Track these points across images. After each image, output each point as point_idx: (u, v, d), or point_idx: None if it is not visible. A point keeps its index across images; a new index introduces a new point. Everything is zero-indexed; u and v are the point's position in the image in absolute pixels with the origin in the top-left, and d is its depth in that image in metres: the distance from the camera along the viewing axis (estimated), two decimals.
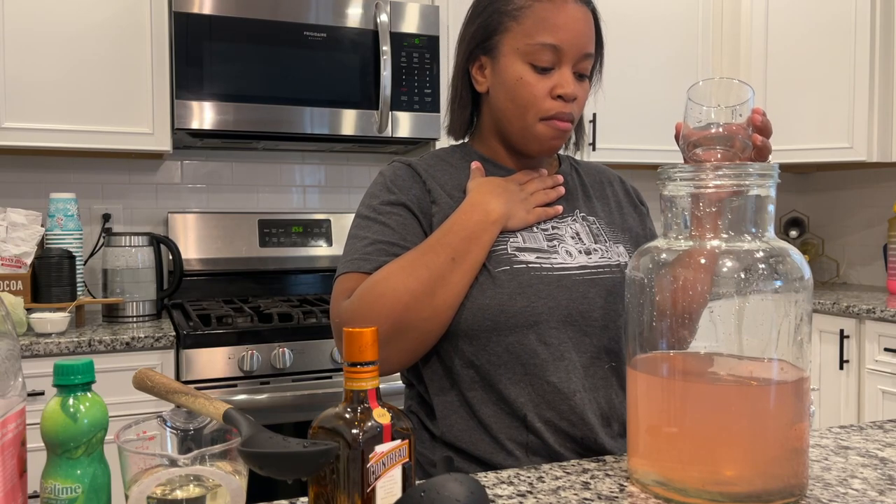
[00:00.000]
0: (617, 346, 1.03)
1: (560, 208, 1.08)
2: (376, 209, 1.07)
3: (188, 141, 2.45)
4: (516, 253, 1.01)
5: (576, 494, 0.80)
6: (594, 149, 2.80)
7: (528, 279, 0.99)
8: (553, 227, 1.06)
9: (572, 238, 1.06)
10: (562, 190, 1.10)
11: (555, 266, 1.01)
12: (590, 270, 1.03)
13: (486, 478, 0.85)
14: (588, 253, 1.05)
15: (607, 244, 1.07)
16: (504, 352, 0.99)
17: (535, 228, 1.05)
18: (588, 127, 2.78)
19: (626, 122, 2.85)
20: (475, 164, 1.08)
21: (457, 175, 1.10)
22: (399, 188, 1.08)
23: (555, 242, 1.04)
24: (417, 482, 0.67)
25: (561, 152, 1.17)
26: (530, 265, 1.00)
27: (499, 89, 1.06)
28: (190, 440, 0.71)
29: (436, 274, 0.96)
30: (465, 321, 0.99)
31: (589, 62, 1.05)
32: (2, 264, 2.10)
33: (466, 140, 1.17)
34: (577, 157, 1.22)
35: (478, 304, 0.98)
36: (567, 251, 1.03)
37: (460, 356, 1.01)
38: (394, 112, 2.42)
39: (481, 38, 1.07)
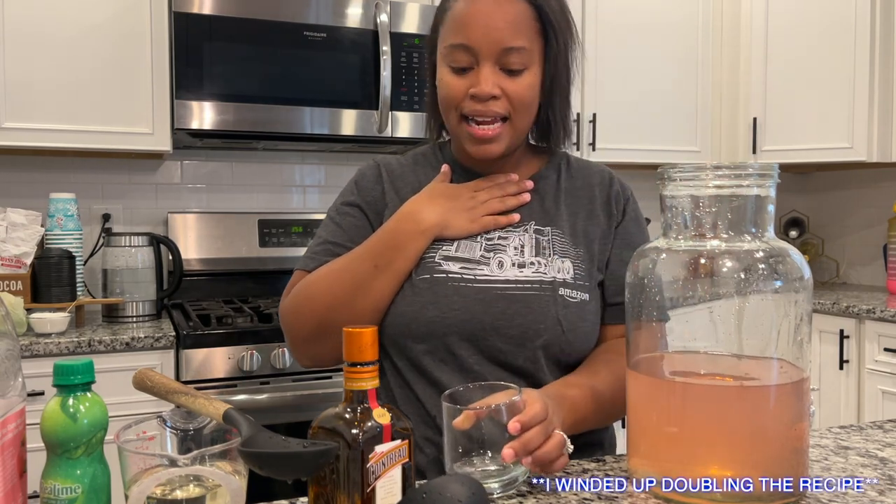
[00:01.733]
0: (533, 366, 0.99)
1: (516, 217, 1.04)
2: (338, 209, 1.11)
3: (188, 141, 2.45)
4: (442, 262, 1.00)
5: (576, 494, 0.80)
6: (594, 149, 2.80)
7: (445, 290, 0.98)
8: (500, 238, 1.03)
9: (514, 249, 1.02)
10: (525, 197, 1.05)
11: (477, 277, 0.99)
12: (514, 285, 0.99)
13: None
14: (521, 266, 1.01)
15: (549, 258, 1.02)
16: (416, 359, 1.00)
17: (478, 237, 1.03)
18: (587, 126, 2.78)
19: (626, 122, 2.85)
20: (444, 168, 1.07)
21: (429, 175, 1.10)
22: (360, 189, 1.11)
23: (492, 253, 1.02)
24: (418, 483, 0.67)
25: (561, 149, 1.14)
26: (450, 275, 0.99)
27: (438, 95, 1.06)
28: (190, 440, 0.71)
29: (358, 280, 0.99)
30: (387, 326, 1.01)
31: (517, 55, 0.98)
32: (2, 264, 2.10)
33: (446, 139, 1.16)
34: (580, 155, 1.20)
35: (397, 310, 1.00)
36: (500, 262, 1.01)
37: (386, 357, 1.04)
38: (393, 112, 2.42)
39: (433, 44, 1.09)
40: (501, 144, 1.02)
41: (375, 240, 1.01)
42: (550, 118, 1.06)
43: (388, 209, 1.07)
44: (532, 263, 1.01)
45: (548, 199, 1.08)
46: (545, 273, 1.00)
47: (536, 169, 1.12)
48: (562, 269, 1.02)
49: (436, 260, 1.00)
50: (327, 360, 1.04)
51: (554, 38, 1.01)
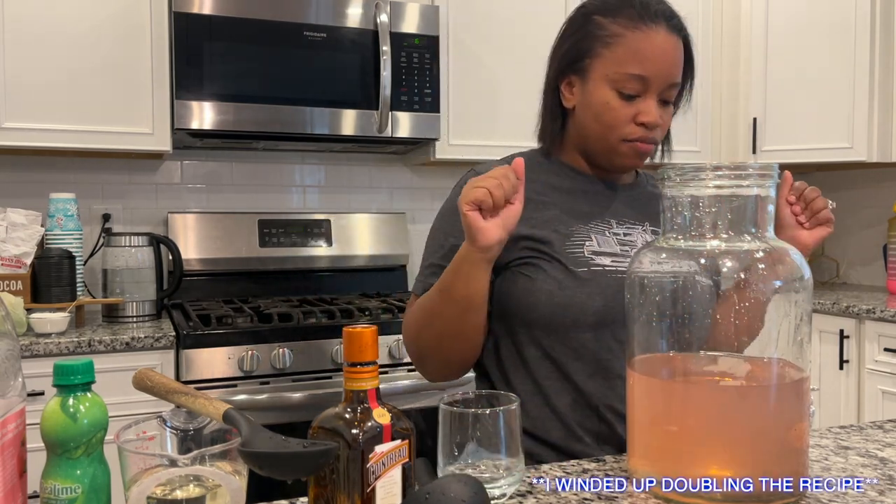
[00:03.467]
0: None
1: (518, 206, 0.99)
2: (447, 220, 1.16)
3: (188, 141, 2.45)
4: (593, 256, 1.07)
5: (576, 494, 0.80)
6: None
7: (606, 280, 1.05)
8: (625, 234, 1.12)
9: (642, 244, 1.10)
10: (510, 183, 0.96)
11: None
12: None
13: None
14: None
15: None
16: (581, 347, 1.06)
17: (607, 233, 1.11)
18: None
19: None
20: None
21: (541, 176, 1.15)
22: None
23: (627, 248, 1.10)
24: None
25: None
26: (607, 268, 1.07)
27: (585, 109, 1.11)
28: (190, 440, 0.71)
29: (431, 308, 1.05)
30: (544, 317, 1.05)
31: (675, 90, 1.11)
32: (2, 264, 2.10)
33: (546, 146, 1.20)
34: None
35: (557, 300, 1.04)
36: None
37: (537, 347, 1.08)
38: (394, 112, 2.42)
39: (572, 58, 1.12)
40: (643, 161, 1.13)
41: (448, 269, 1.02)
42: (666, 138, 1.19)
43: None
44: None
45: (650, 205, 1.18)
46: None
47: (632, 178, 1.23)
48: None
49: (586, 255, 1.07)
50: (439, 378, 1.13)
51: (692, 72, 1.15)
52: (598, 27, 1.08)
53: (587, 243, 1.08)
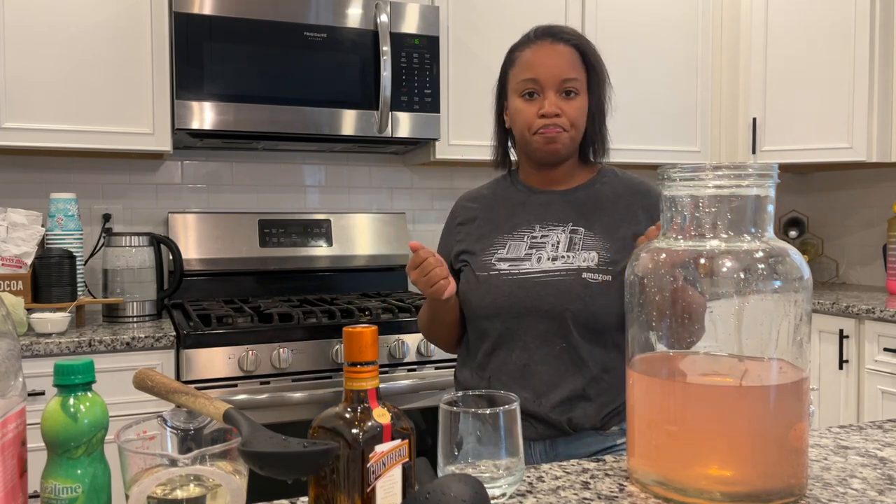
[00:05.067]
0: (566, 331, 1.28)
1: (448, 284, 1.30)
2: (441, 241, 1.54)
3: (188, 141, 2.45)
4: (496, 262, 1.36)
5: (576, 494, 0.80)
6: None
7: (498, 282, 1.34)
8: (542, 237, 1.36)
9: (552, 246, 1.34)
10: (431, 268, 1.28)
11: (521, 271, 1.33)
12: (547, 274, 1.31)
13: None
14: (554, 259, 1.32)
15: (577, 252, 1.32)
16: (482, 332, 1.36)
17: (525, 238, 1.36)
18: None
19: (627, 122, 2.85)
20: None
21: (507, 194, 1.44)
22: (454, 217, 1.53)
23: (533, 250, 1.35)
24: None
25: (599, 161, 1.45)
26: (501, 272, 1.34)
27: (512, 121, 1.39)
28: (190, 440, 0.71)
29: (424, 311, 1.47)
30: (465, 311, 1.40)
31: (573, 83, 1.33)
32: (2, 264, 2.10)
33: (499, 167, 1.49)
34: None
35: (465, 297, 1.38)
36: (538, 258, 1.33)
37: (469, 331, 1.42)
38: (394, 112, 2.42)
39: (501, 85, 1.43)
40: (560, 145, 1.33)
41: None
42: (593, 136, 1.39)
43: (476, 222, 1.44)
44: (563, 257, 1.32)
45: (587, 205, 1.37)
46: (571, 264, 1.31)
47: (583, 181, 1.41)
48: (587, 258, 1.31)
49: (491, 262, 1.36)
50: (445, 349, 1.51)
51: (595, 72, 1.36)
52: (510, 57, 1.40)
53: (499, 251, 1.36)
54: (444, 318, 1.41)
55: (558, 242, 1.34)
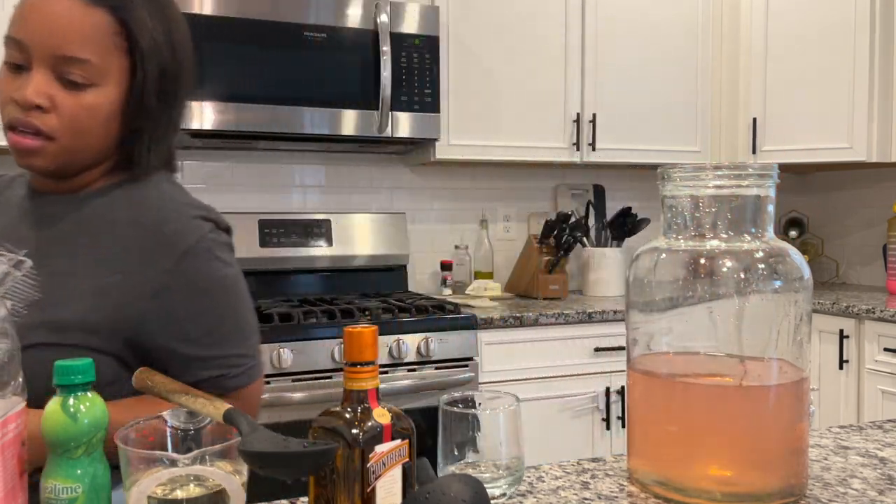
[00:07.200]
0: None
1: None
2: None
3: (188, 141, 2.45)
4: None
5: (576, 494, 0.80)
6: (594, 149, 2.79)
7: None
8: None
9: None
10: None
11: None
12: None
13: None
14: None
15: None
16: None
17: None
18: (587, 127, 2.78)
19: (626, 122, 2.85)
20: None
21: (14, 193, 0.99)
22: None
23: None
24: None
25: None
26: None
27: None
28: (190, 440, 0.71)
29: None
30: None
31: (76, 67, 0.86)
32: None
33: None
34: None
35: None
36: None
37: None
38: (394, 112, 2.42)
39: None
40: (45, 161, 0.89)
41: None
42: (135, 146, 0.94)
43: None
44: None
45: (83, 226, 0.92)
46: None
47: (109, 188, 0.96)
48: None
49: None
50: None
51: (142, 61, 0.90)
52: None
53: None
54: None
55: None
